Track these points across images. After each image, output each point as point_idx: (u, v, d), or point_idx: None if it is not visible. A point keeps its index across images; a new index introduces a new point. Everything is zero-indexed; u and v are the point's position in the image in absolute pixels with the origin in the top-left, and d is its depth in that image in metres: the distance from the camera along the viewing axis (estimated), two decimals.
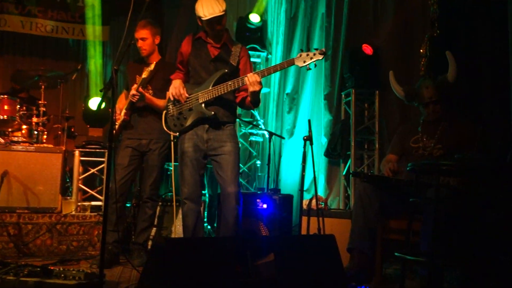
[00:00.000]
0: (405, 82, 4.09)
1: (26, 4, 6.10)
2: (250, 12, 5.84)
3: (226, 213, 3.04)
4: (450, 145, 3.13)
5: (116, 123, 3.60)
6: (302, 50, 2.85)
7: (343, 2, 5.31)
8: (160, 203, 4.33)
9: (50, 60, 6.68)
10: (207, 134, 3.08)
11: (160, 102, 3.59)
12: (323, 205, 4.06)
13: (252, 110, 5.87)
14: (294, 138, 5.62)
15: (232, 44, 3.17)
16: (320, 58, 2.79)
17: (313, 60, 2.79)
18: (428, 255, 2.16)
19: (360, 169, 5.06)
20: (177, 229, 4.28)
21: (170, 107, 3.20)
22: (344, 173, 5.19)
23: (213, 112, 3.02)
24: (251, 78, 2.87)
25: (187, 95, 3.08)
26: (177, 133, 3.16)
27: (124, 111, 3.63)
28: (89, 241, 4.04)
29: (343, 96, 5.28)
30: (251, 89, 2.90)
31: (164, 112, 3.24)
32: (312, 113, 5.51)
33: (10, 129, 4.80)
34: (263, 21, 5.88)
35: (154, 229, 4.21)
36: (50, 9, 6.19)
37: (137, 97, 3.51)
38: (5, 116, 4.63)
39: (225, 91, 2.97)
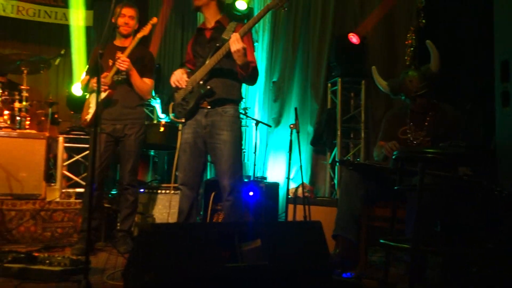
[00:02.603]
0: (391, 72, 4.13)
1: None
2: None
3: (223, 206, 3.06)
4: (439, 136, 3.14)
5: (90, 112, 3.51)
6: None
7: None
8: (146, 190, 4.31)
9: (32, 44, 6.55)
10: (206, 119, 3.03)
11: (140, 81, 3.55)
12: (309, 193, 4.08)
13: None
14: (280, 127, 5.62)
15: (227, 22, 3.09)
16: None
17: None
18: (411, 242, 2.19)
19: (346, 157, 5.10)
20: (163, 217, 4.27)
21: (176, 95, 3.16)
22: (330, 162, 5.23)
23: (209, 87, 2.96)
24: (232, 38, 2.77)
25: (187, 79, 3.05)
26: (183, 119, 3.09)
27: (104, 87, 3.48)
28: (74, 228, 4.00)
29: (329, 85, 5.30)
30: (233, 48, 2.76)
31: (172, 104, 3.20)
32: (298, 102, 5.51)
33: None
34: (250, 8, 5.85)
35: (140, 216, 4.20)
36: None
37: (127, 63, 3.39)
38: None
39: (216, 61, 2.91)
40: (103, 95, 3.49)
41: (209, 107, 3.04)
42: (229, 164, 2.99)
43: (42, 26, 6.44)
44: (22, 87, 4.59)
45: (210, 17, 3.13)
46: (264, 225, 1.99)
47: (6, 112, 4.69)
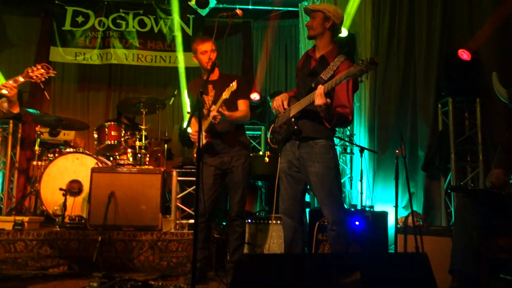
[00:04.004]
0: (509, 86, 3.78)
1: (128, 38, 6.67)
2: None
3: (328, 236, 3.01)
4: None
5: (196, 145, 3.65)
6: (361, 60, 2.59)
7: (435, 6, 5.07)
8: (254, 221, 4.39)
9: (151, 87, 7.21)
10: (298, 151, 3.03)
11: (238, 114, 3.62)
12: (421, 222, 3.82)
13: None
14: (388, 153, 5.39)
15: (332, 57, 2.97)
16: (374, 67, 2.52)
17: (365, 70, 2.52)
18: None
19: (463, 182, 4.71)
20: (271, 247, 4.31)
21: (277, 119, 3.21)
22: (445, 188, 4.87)
23: (296, 127, 2.96)
24: (317, 91, 2.71)
25: (286, 106, 3.07)
26: (275, 146, 3.15)
27: (204, 134, 3.58)
28: (187, 257, 4.18)
29: (439, 106, 5.00)
30: (316, 102, 2.71)
31: (272, 125, 3.26)
32: (406, 125, 5.26)
33: (117, 153, 5.25)
34: (351, 34, 5.79)
35: (248, 247, 4.29)
36: (149, 41, 6.70)
37: (219, 117, 3.45)
38: (113, 141, 5.10)
39: (305, 105, 2.89)
40: (203, 141, 3.59)
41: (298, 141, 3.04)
42: (324, 195, 2.94)
43: (159, 70, 7.07)
44: (142, 126, 5.05)
45: (320, 47, 3.06)
46: (363, 257, 1.91)
47: (129, 150, 5.21)
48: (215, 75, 3.76)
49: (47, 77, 3.25)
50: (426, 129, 5.05)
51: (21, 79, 3.14)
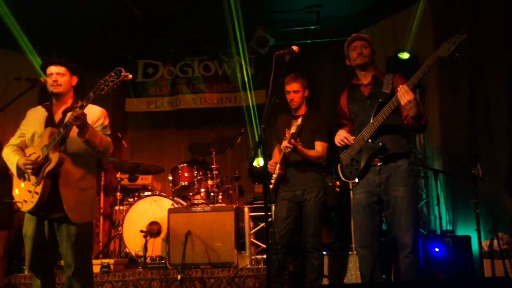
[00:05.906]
0: None
1: (195, 83, 7.02)
2: (399, 51, 5.72)
3: (402, 262, 2.91)
4: None
5: (273, 176, 3.74)
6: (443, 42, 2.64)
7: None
8: (330, 253, 4.32)
9: (219, 127, 7.43)
10: (379, 177, 2.99)
11: (310, 152, 3.67)
12: (508, 246, 3.57)
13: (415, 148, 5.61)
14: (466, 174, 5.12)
15: (383, 76, 3.10)
16: (464, 37, 2.53)
17: (456, 43, 2.55)
18: None
19: None
20: (349, 279, 4.20)
21: (342, 156, 3.19)
22: None
23: (380, 143, 2.94)
24: (400, 90, 2.74)
25: (353, 137, 3.07)
26: (356, 179, 3.08)
27: (278, 165, 3.72)
28: None
29: None
30: (403, 101, 2.73)
31: (339, 165, 3.22)
32: (482, 143, 5.00)
33: (191, 193, 5.45)
34: (413, 56, 5.69)
35: (326, 279, 4.21)
36: (214, 84, 7.00)
37: (289, 149, 3.55)
38: (186, 182, 5.30)
39: (384, 117, 2.88)
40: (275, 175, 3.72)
41: (380, 163, 2.99)
42: (409, 221, 2.87)
43: (225, 110, 7.30)
44: (213, 166, 5.23)
45: (366, 73, 3.16)
46: (439, 283, 1.83)
47: (202, 189, 5.38)
48: (301, 111, 3.87)
49: (119, 83, 2.86)
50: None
51: (91, 94, 2.84)
